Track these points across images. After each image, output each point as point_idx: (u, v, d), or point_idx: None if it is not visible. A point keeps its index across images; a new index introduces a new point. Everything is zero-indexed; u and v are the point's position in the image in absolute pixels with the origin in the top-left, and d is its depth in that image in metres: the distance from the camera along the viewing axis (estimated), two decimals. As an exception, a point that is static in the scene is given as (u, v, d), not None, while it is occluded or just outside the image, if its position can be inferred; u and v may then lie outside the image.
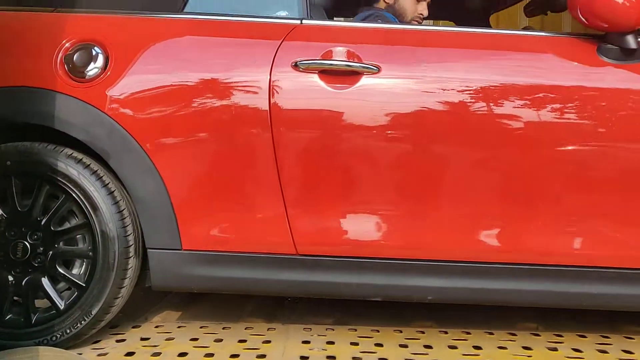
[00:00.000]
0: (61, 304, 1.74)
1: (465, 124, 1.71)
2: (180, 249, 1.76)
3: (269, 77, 1.72)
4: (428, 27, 2.24)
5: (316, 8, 1.91)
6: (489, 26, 2.81)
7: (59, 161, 1.73)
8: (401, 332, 1.96)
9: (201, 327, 1.97)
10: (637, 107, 1.69)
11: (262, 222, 1.74)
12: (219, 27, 1.82)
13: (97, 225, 1.73)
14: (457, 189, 1.73)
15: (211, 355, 1.73)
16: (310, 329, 1.97)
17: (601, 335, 1.96)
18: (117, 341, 1.84)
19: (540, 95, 1.70)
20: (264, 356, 1.72)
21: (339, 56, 1.74)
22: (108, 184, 1.75)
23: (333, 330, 1.97)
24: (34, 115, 1.75)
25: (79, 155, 1.76)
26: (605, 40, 1.73)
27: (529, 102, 1.69)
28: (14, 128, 1.79)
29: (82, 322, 1.73)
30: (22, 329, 1.74)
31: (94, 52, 1.76)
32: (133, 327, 1.97)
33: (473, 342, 1.87)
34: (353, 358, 1.72)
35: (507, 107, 1.70)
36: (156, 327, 1.99)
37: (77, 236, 1.78)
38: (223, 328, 1.97)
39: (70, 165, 1.73)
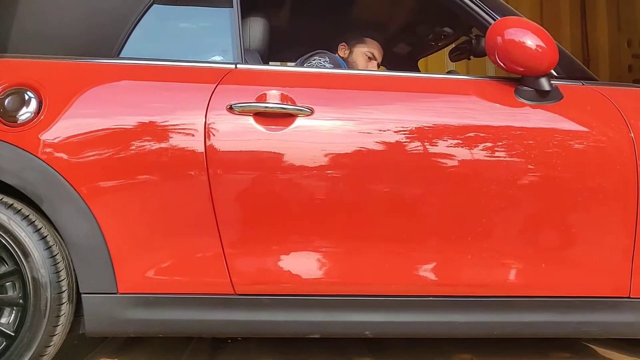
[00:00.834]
0: (-13, 355, 1.68)
1: (397, 163, 1.76)
2: (116, 292, 1.73)
3: (204, 120, 1.74)
4: (360, 71, 2.34)
5: (250, 53, 1.97)
6: (418, 70, 2.96)
7: (-13, 207, 1.69)
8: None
9: (139, 373, 1.94)
10: (559, 146, 1.77)
11: (200, 263, 1.74)
12: (155, 72, 1.85)
13: (28, 272, 1.68)
14: (393, 225, 1.77)
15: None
16: (251, 369, 1.97)
17: (533, 362, 2.03)
18: (50, 392, 1.78)
19: (471, 134, 1.77)
20: (203, 399, 1.71)
21: (273, 99, 1.78)
22: (40, 228, 1.72)
23: (274, 369, 1.97)
24: (-37, 160, 1.71)
25: (10, 201, 1.72)
26: (522, 82, 1.84)
27: (460, 141, 1.76)
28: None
29: (12, 373, 1.66)
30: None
31: (26, 97, 1.75)
32: (67, 377, 1.91)
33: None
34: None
35: (441, 146, 1.76)
36: (91, 375, 1.94)
37: (7, 284, 1.72)
38: (162, 372, 1.94)
39: None
